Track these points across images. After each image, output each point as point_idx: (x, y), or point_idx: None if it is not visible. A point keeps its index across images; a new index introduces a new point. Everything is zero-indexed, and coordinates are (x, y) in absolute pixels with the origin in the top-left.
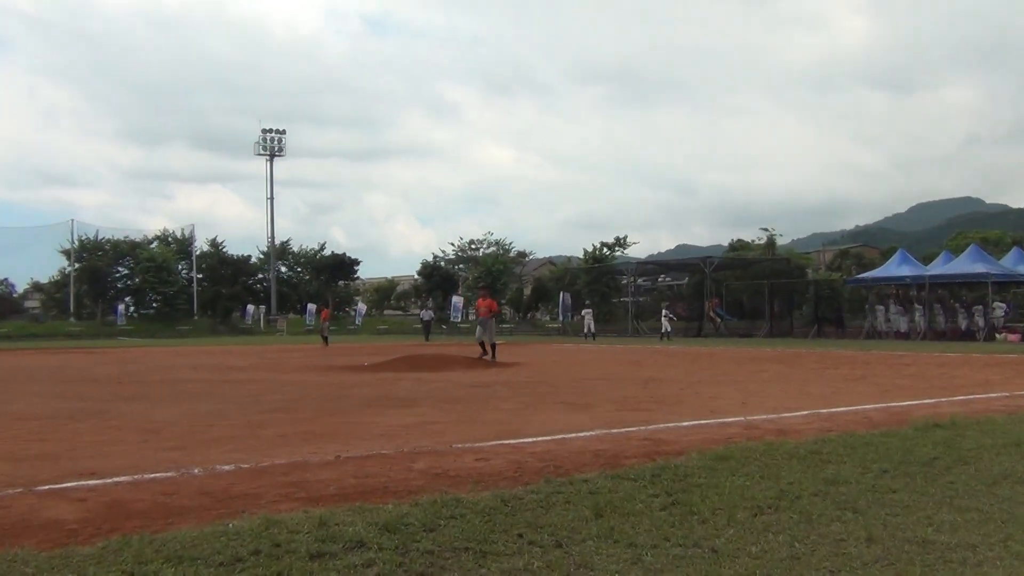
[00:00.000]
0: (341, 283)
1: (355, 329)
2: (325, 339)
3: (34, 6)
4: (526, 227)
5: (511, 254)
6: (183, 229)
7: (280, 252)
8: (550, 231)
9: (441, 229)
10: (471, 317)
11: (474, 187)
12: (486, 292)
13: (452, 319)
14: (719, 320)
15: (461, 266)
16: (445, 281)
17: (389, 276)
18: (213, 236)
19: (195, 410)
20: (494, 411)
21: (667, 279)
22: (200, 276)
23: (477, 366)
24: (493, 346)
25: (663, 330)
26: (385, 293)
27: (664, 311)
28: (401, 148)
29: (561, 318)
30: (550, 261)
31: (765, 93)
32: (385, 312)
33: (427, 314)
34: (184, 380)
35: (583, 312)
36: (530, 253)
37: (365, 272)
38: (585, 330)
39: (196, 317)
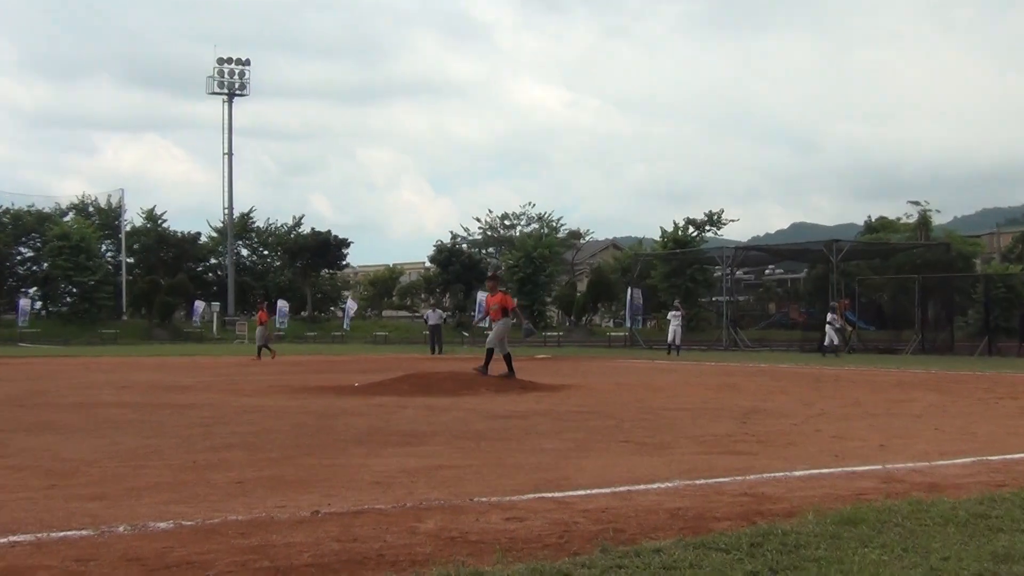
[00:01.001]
0: (325, 272)
1: (342, 336)
2: (263, 349)
3: None
4: (581, 197)
5: (559, 234)
6: (108, 196)
7: (240, 228)
8: (615, 203)
9: (463, 198)
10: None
11: (510, 141)
12: (494, 284)
13: (478, 323)
14: (849, 330)
15: (491, 250)
16: (468, 271)
17: (391, 263)
18: (150, 206)
19: (121, 445)
20: (532, 452)
21: (777, 271)
22: (131, 261)
23: (508, 388)
24: (508, 358)
25: (670, 339)
26: (385, 286)
27: (674, 309)
28: (408, 85)
29: (629, 323)
30: (614, 244)
31: (918, 10)
32: (384, 313)
33: (434, 316)
34: (107, 404)
35: (669, 316)
36: (587, 233)
37: (358, 257)
38: (671, 339)
39: (125, 317)
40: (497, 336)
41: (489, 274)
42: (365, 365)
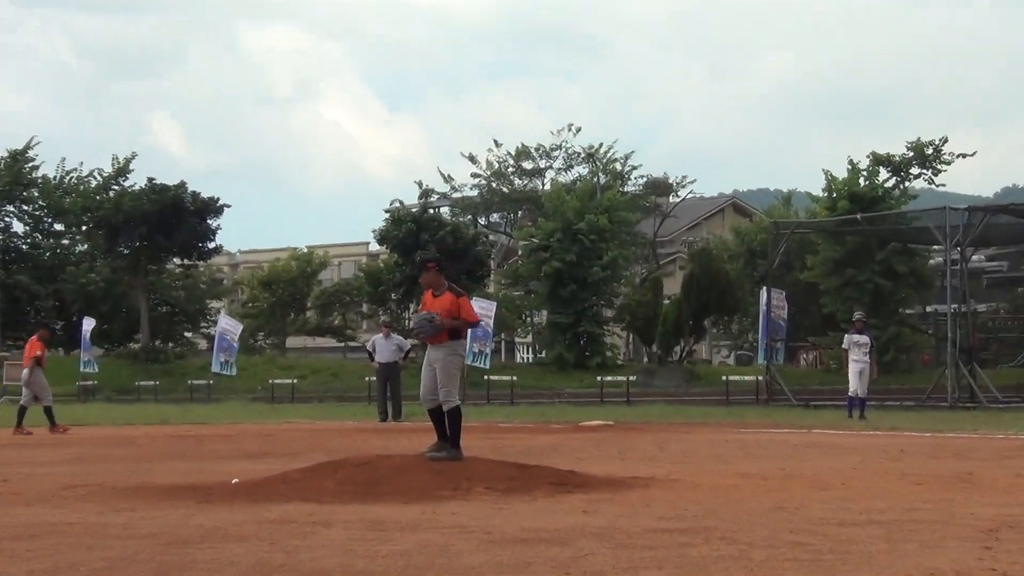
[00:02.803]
0: (175, 265)
1: (209, 387)
2: (46, 412)
3: None
4: (670, 116)
5: (628, 187)
6: None
7: (8, 180)
8: (734, 127)
9: (441, 121)
10: (525, 349)
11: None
12: (436, 276)
13: (471, 353)
14: None
15: (495, 219)
16: (452, 258)
17: (302, 246)
18: None
19: None
20: None
21: None
22: None
23: (528, 485)
24: (453, 416)
25: (852, 387)
26: (292, 291)
27: (854, 330)
28: None
29: (763, 356)
30: (734, 205)
31: None
32: (291, 341)
33: (387, 346)
34: None
35: (846, 342)
36: (681, 185)
37: (241, 236)
38: (853, 388)
39: None
40: (447, 376)
41: (423, 260)
42: (255, 443)
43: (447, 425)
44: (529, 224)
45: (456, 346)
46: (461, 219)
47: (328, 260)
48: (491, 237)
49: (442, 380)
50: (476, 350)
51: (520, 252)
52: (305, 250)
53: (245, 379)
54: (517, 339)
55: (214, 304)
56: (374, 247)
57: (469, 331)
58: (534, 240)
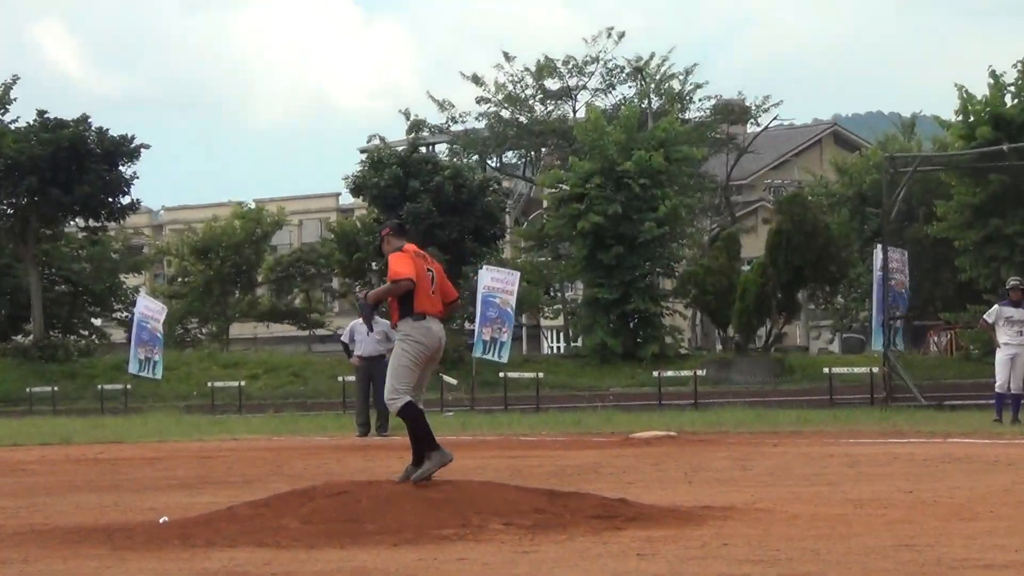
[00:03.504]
0: (76, 227)
1: (127, 391)
2: None
3: None
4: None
5: (690, 113)
6: None
7: None
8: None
9: (434, 24)
10: (552, 340)
11: None
12: (385, 237)
13: (480, 341)
14: None
15: (509, 158)
16: (452, 211)
17: (249, 201)
18: None
19: None
20: None
21: None
22: None
23: (565, 518)
24: (416, 423)
25: (1000, 381)
26: (237, 260)
27: (1007, 302)
28: None
29: (878, 340)
30: (835, 135)
31: None
32: (236, 329)
33: (369, 335)
34: None
35: (992, 314)
36: (761, 109)
37: (165, 190)
38: (1001, 381)
39: None
40: (391, 370)
41: (384, 223)
42: (190, 467)
43: (408, 434)
44: (557, 164)
45: (408, 327)
46: (464, 160)
47: (284, 218)
48: (505, 183)
49: (394, 379)
50: (488, 337)
51: (545, 203)
52: (253, 205)
53: (175, 382)
54: (544, 322)
55: (131, 281)
56: (347, 200)
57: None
58: (564, 187)
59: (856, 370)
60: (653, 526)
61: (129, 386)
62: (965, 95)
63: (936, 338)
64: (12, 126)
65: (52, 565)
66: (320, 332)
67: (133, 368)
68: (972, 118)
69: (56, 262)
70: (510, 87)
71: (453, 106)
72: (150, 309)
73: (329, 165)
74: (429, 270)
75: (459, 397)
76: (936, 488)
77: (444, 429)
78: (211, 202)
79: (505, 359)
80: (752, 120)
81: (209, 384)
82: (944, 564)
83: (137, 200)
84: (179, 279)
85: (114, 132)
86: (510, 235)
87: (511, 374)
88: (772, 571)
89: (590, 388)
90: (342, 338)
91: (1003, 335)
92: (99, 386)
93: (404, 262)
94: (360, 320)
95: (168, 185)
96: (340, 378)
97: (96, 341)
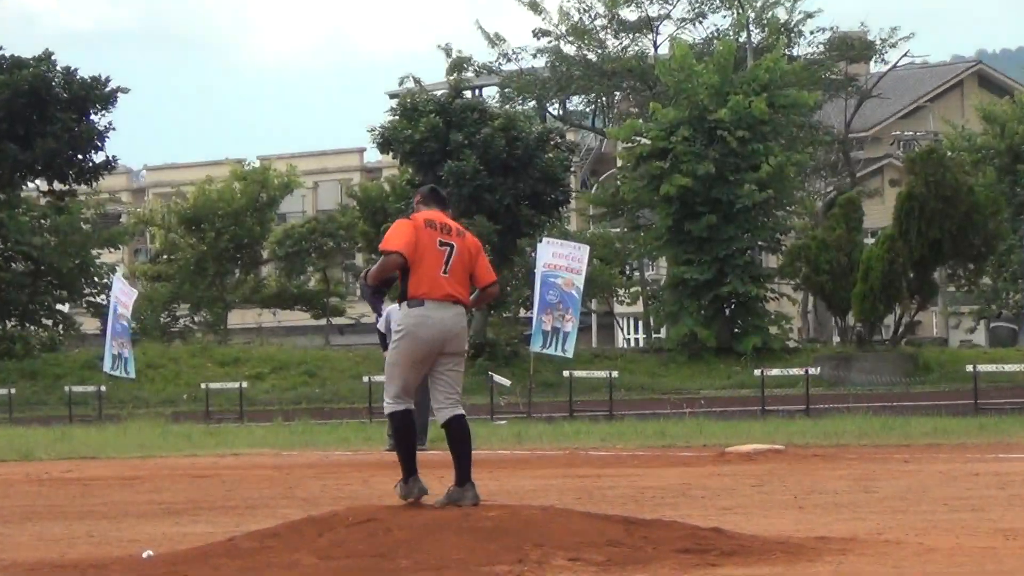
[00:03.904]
0: (38, 191)
1: (101, 395)
2: None
3: None
4: None
5: (800, 48)
6: None
7: None
8: None
9: None
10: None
11: None
12: (422, 201)
13: (540, 332)
14: None
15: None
16: (511, 170)
17: (253, 158)
18: None
19: None
20: None
21: None
22: None
23: (638, 550)
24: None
25: None
26: (235, 230)
27: None
28: None
29: None
30: (979, 74)
31: None
32: (235, 318)
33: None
34: None
35: None
36: (888, 40)
37: (147, 141)
38: None
39: None
40: (385, 368)
41: (417, 189)
42: (179, 489)
43: (450, 449)
44: (634, 113)
45: (401, 315)
46: (519, 107)
47: (295, 180)
48: (569, 136)
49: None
50: (549, 327)
51: (620, 161)
52: (256, 164)
53: (161, 383)
54: (618, 308)
55: (106, 258)
56: (372, 157)
57: (490, 294)
58: (643, 140)
59: (1007, 368)
60: (755, 562)
61: (103, 388)
62: None
63: None
64: None
65: None
66: (340, 321)
67: (108, 366)
68: None
69: (12, 235)
70: (576, 16)
71: (505, 40)
72: (123, 292)
73: (351, 114)
74: (446, 244)
75: (513, 402)
76: None
77: (494, 441)
78: (204, 160)
79: (570, 354)
80: (877, 58)
81: (203, 386)
82: None
83: (113, 157)
84: (165, 256)
85: (84, 73)
86: (576, 201)
87: (577, 373)
88: None
89: (676, 390)
90: (378, 326)
91: None
92: (67, 388)
93: (399, 232)
94: (397, 304)
95: (151, 139)
96: (366, 378)
97: (62, 333)
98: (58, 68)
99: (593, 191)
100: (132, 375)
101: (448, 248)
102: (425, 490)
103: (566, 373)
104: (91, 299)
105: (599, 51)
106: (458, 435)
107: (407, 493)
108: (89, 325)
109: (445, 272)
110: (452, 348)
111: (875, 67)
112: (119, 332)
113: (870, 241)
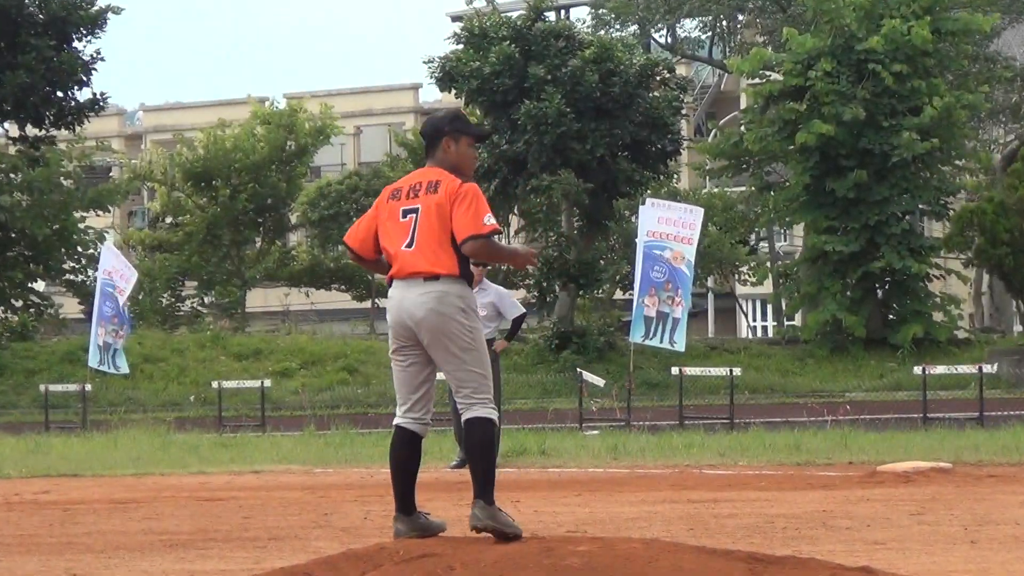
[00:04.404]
0: (7, 137)
1: (95, 398)
2: None
3: None
4: None
5: None
6: None
7: None
8: None
9: None
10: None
11: None
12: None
13: (641, 318)
14: None
15: (688, 31)
16: (605, 113)
17: (279, 97)
18: None
19: None
20: None
21: None
22: None
23: None
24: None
25: None
26: (256, 188)
27: None
28: None
29: None
30: None
31: None
32: (254, 300)
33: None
34: None
35: None
36: None
37: (145, 77)
38: None
39: None
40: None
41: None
42: (185, 515)
43: (467, 462)
44: (762, 41)
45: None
46: (616, 33)
47: (332, 125)
48: (680, 71)
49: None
50: (653, 312)
51: (745, 102)
52: (282, 104)
53: (161, 380)
54: (741, 289)
55: (93, 222)
56: (430, 96)
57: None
58: (774, 76)
59: None
60: None
61: (88, 387)
62: None
63: None
64: None
65: None
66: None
67: (94, 359)
68: None
69: None
70: None
71: None
72: (118, 269)
73: (403, 42)
74: (409, 211)
75: (608, 406)
76: None
77: (584, 456)
78: (216, 99)
79: (681, 347)
80: None
81: (215, 384)
82: None
83: (102, 95)
84: (168, 221)
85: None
86: (688, 152)
87: (689, 370)
88: None
89: (814, 392)
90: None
91: None
92: (42, 387)
93: (357, 220)
94: (477, 285)
95: (150, 73)
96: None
97: (36, 317)
98: None
99: (710, 140)
100: (125, 371)
101: (413, 215)
102: (423, 529)
103: (675, 371)
104: (73, 276)
105: None
106: (468, 440)
107: (395, 532)
108: (71, 308)
109: (411, 244)
110: (429, 337)
111: None
112: (107, 317)
113: None
